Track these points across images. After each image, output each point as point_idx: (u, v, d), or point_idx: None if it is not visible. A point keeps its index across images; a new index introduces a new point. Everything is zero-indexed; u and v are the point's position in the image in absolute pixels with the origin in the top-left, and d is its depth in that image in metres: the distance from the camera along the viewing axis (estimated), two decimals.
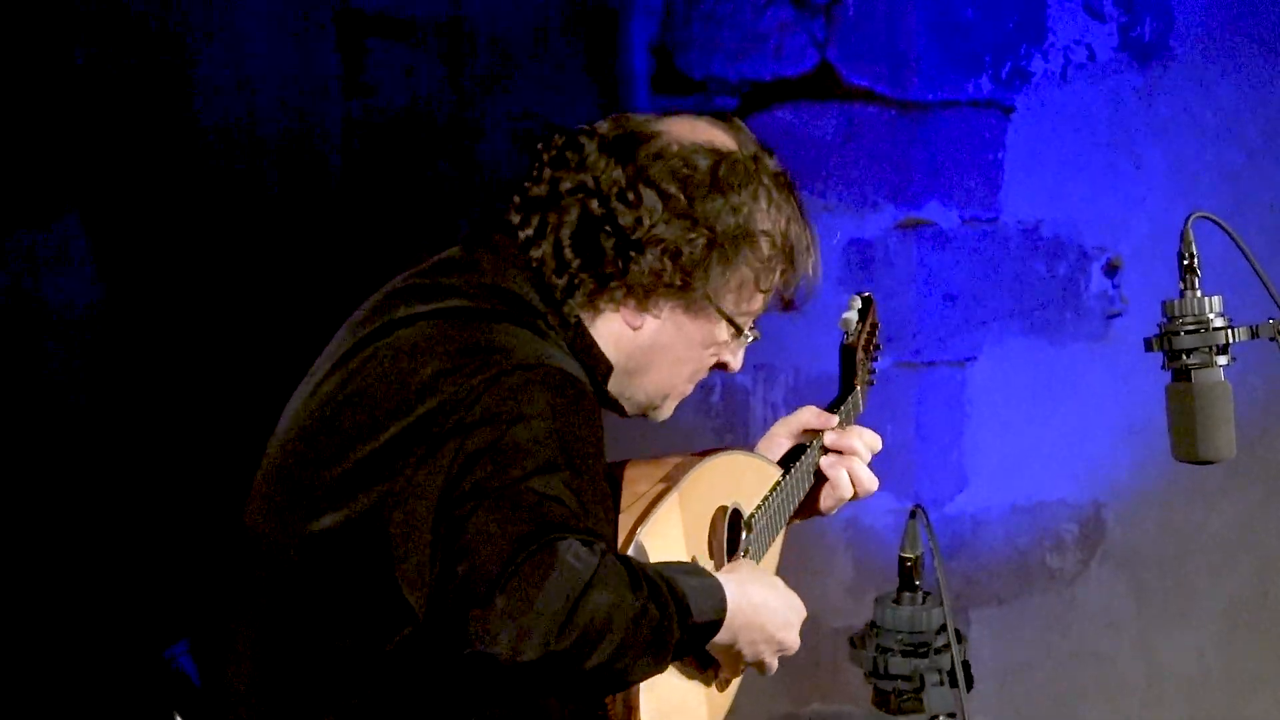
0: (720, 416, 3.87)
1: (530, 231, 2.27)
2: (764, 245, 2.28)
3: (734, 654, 2.27)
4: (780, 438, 2.67)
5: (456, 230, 3.69)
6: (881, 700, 2.19)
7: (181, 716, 2.34)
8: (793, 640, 2.33)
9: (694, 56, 3.79)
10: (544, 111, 3.69)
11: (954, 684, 2.14)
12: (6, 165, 3.49)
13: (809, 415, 2.67)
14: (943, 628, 2.21)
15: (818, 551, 3.91)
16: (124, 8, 3.48)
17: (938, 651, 2.22)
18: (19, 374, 3.52)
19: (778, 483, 2.54)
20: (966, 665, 2.25)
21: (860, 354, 2.74)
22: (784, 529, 2.60)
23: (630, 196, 2.23)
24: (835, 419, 2.65)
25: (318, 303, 3.57)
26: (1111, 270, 4.01)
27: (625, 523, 2.22)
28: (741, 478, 2.49)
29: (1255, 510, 4.13)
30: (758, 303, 2.34)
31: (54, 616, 3.53)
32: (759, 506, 2.49)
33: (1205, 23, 3.95)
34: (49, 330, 3.54)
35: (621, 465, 2.41)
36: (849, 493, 2.63)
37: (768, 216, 2.29)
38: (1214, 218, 2.29)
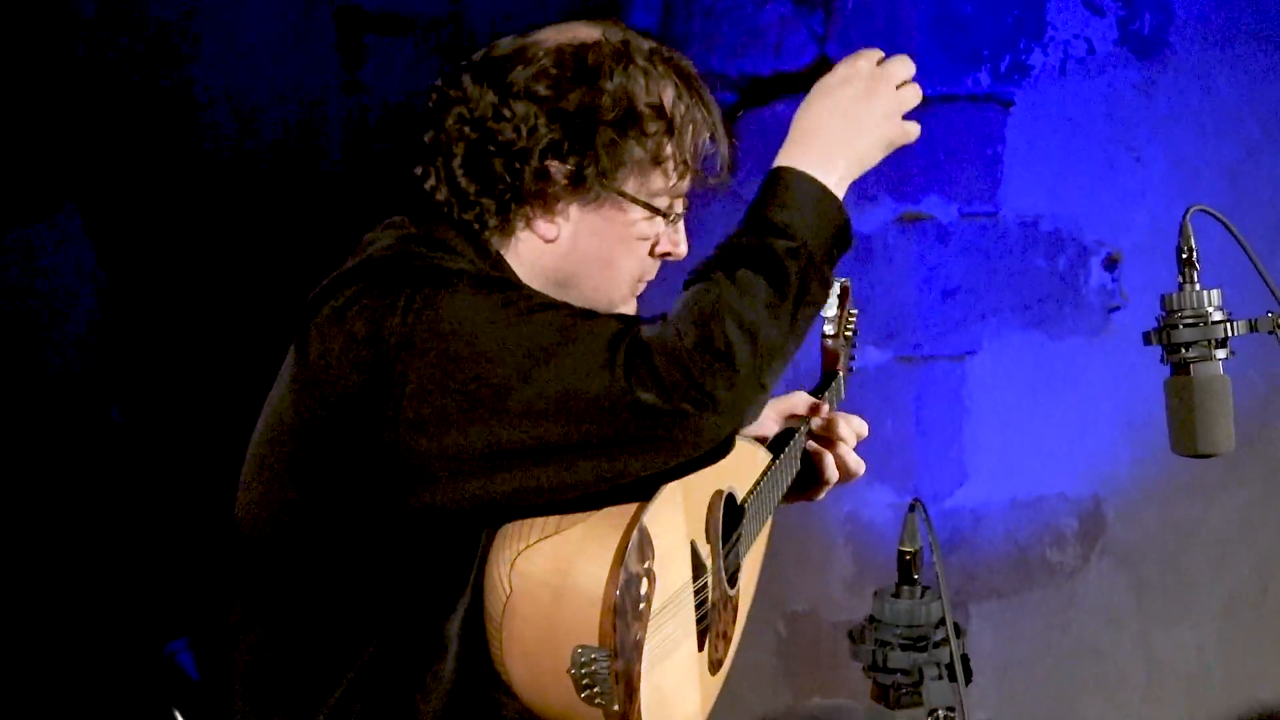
0: None
1: (431, 180, 2.32)
2: (647, 120, 2.27)
3: (861, 163, 2.24)
4: (769, 420, 2.68)
5: None
6: (881, 694, 2.19)
7: (181, 712, 2.35)
8: (884, 105, 2.26)
9: (693, 52, 3.78)
10: None
11: (953, 678, 2.14)
12: (5, 159, 3.49)
13: (799, 399, 2.69)
14: (941, 621, 2.21)
15: (817, 546, 3.91)
16: (125, 2, 3.48)
17: (936, 645, 2.22)
18: (18, 370, 3.53)
19: (769, 467, 2.55)
20: (965, 659, 2.25)
21: (840, 340, 2.75)
22: (772, 512, 2.61)
23: (505, 112, 2.25)
24: (825, 405, 2.66)
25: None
26: (1111, 264, 4.02)
27: (621, 518, 2.21)
28: (738, 461, 2.49)
29: (1255, 505, 4.13)
30: (668, 179, 2.32)
31: (54, 613, 3.53)
32: (751, 490, 2.50)
33: (1204, 17, 3.95)
34: (48, 326, 3.54)
35: None
36: (835, 477, 2.64)
37: (644, 91, 2.27)
38: (1213, 211, 2.29)
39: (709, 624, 2.43)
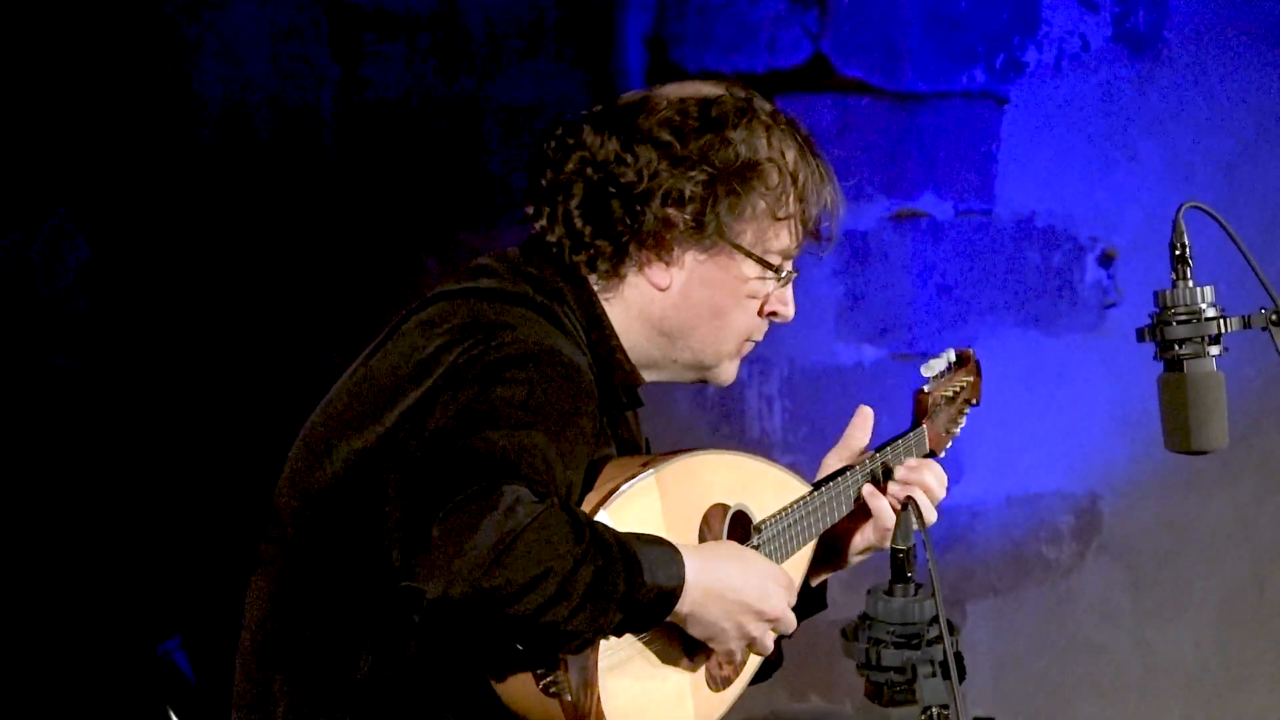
0: (715, 410, 3.87)
1: (544, 220, 2.31)
2: (770, 173, 2.28)
3: (714, 629, 2.19)
4: (831, 459, 2.59)
5: (452, 223, 3.69)
6: (874, 692, 2.19)
7: (174, 711, 2.34)
8: (774, 609, 2.23)
9: (688, 49, 3.78)
10: (538, 105, 3.69)
11: (946, 675, 2.14)
12: (2, 160, 3.49)
13: (854, 447, 2.59)
14: (935, 619, 2.20)
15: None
16: (121, 1, 3.48)
17: (930, 643, 2.22)
18: (14, 368, 3.52)
19: (803, 497, 2.48)
20: (959, 656, 2.24)
21: (937, 398, 2.72)
22: (807, 546, 2.51)
23: (628, 157, 2.25)
24: (869, 422, 2.59)
25: (312, 296, 3.57)
26: (1106, 261, 4.01)
27: (591, 499, 2.18)
28: (753, 482, 2.43)
29: (1250, 501, 4.13)
30: (782, 237, 2.33)
31: (49, 612, 3.53)
32: (774, 515, 2.43)
33: (1199, 14, 3.95)
34: (45, 324, 3.54)
35: (607, 459, 2.39)
36: (889, 522, 2.52)
37: (768, 146, 2.29)
38: (1206, 208, 2.29)
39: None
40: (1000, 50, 3.91)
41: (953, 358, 2.74)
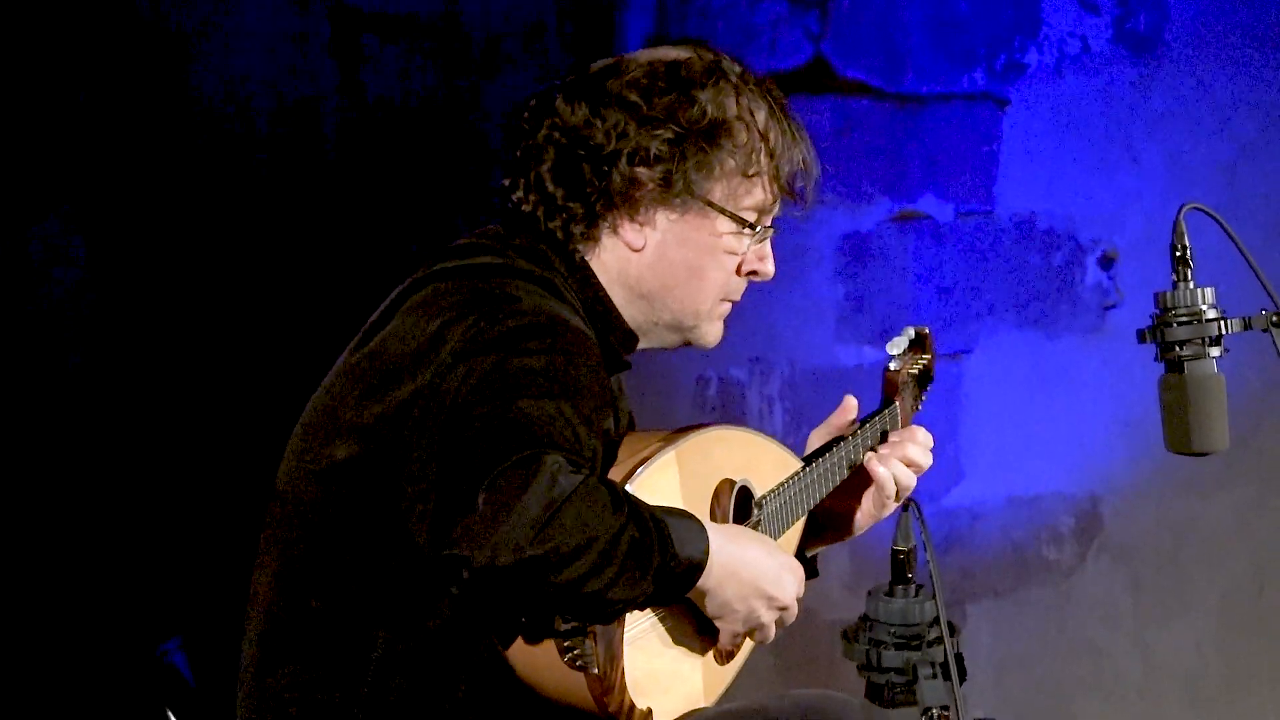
0: (716, 409, 3.87)
1: (520, 191, 2.33)
2: (739, 131, 2.29)
3: (726, 607, 2.23)
4: (817, 434, 2.67)
5: (452, 225, 3.69)
6: (874, 693, 2.19)
7: (173, 712, 2.35)
8: (786, 597, 2.28)
9: None
10: None
11: (947, 677, 2.14)
12: (3, 158, 3.49)
13: (848, 417, 2.66)
14: (936, 620, 2.21)
15: None
16: (121, 1, 3.48)
17: (930, 644, 2.22)
18: (13, 367, 3.52)
19: (797, 472, 2.53)
20: (960, 658, 2.24)
21: (904, 376, 2.76)
22: (800, 520, 2.58)
23: (596, 121, 2.28)
24: (853, 402, 2.64)
25: (312, 296, 3.57)
26: (1107, 262, 4.02)
27: (615, 475, 2.21)
28: (757, 459, 2.49)
29: (1251, 503, 4.13)
30: (755, 194, 2.34)
31: (47, 612, 3.53)
32: (772, 490, 2.48)
33: (1199, 15, 3.95)
34: (45, 323, 3.54)
35: (622, 435, 2.41)
36: (892, 489, 2.60)
37: (736, 105, 2.30)
38: (1206, 209, 2.29)
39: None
40: (1001, 52, 3.91)
41: (912, 335, 2.77)
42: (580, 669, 2.14)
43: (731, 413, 3.87)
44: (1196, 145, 3.96)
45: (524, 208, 2.33)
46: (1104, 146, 3.96)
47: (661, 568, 2.04)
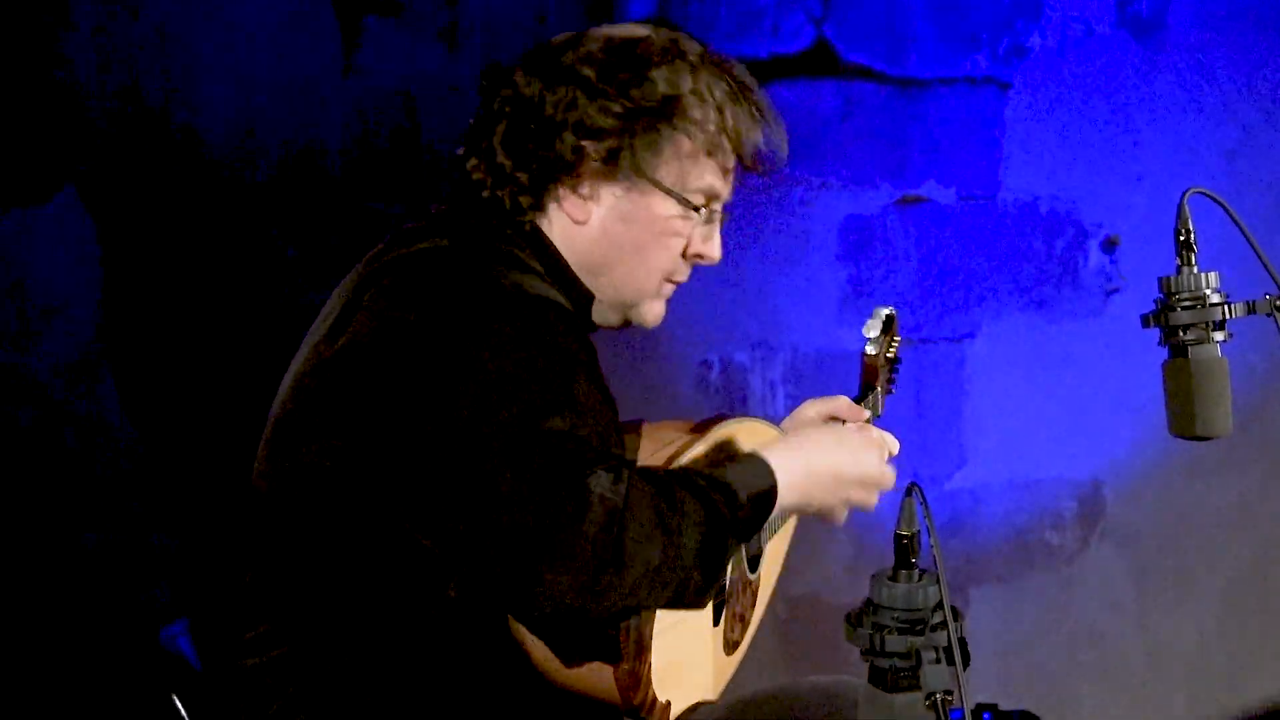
0: (720, 394, 3.87)
1: (473, 160, 2.33)
2: (692, 111, 2.28)
3: (820, 506, 2.30)
4: (808, 420, 2.67)
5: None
6: (878, 678, 2.19)
7: (179, 697, 2.35)
8: (874, 471, 2.33)
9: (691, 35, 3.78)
10: None
11: (950, 662, 2.14)
12: (5, 142, 3.49)
13: (844, 403, 2.67)
14: (939, 605, 2.21)
15: (819, 529, 3.91)
16: None
17: (934, 629, 2.22)
18: (14, 352, 3.53)
19: None
20: (963, 642, 2.24)
21: (881, 360, 2.77)
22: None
23: (548, 94, 2.27)
24: (867, 413, 2.65)
25: (316, 284, 3.57)
26: (1110, 247, 4.01)
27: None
28: (752, 448, 2.50)
29: (1254, 488, 4.13)
30: (705, 177, 2.33)
31: (52, 598, 3.54)
32: None
33: None
34: (45, 308, 3.54)
35: (638, 424, 2.42)
36: (895, 447, 2.63)
37: (692, 85, 2.29)
38: (1210, 193, 2.29)
39: (726, 602, 2.44)
40: (1004, 36, 3.90)
41: (884, 316, 2.78)
42: (608, 662, 2.14)
43: (734, 397, 3.87)
44: (1200, 129, 3.96)
45: (475, 175, 2.32)
46: (1107, 131, 3.96)
47: (733, 521, 2.09)
